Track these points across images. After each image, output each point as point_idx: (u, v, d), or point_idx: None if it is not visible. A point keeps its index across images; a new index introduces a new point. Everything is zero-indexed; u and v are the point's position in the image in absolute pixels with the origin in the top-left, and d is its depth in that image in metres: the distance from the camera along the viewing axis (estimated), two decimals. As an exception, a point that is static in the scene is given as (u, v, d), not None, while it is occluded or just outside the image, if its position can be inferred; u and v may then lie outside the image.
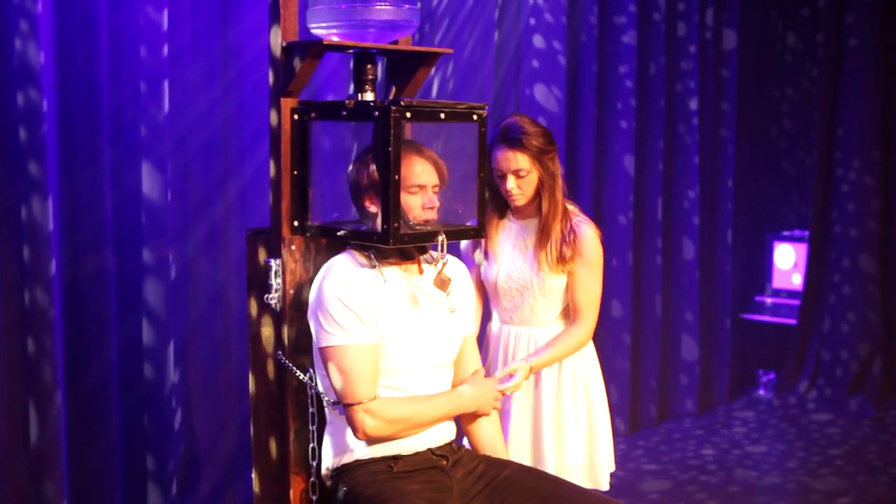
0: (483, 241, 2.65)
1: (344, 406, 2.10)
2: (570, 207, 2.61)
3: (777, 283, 5.02)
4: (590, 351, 2.69)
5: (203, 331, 2.97)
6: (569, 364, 2.64)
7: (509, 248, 2.64)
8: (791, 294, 4.97)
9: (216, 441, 3.00)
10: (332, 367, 2.10)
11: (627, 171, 4.18)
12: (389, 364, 2.16)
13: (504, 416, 2.61)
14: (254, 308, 2.34)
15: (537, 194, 2.56)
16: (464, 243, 2.70)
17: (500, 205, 2.64)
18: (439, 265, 2.20)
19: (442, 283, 2.20)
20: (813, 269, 4.60)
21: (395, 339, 2.15)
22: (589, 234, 2.57)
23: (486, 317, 2.77)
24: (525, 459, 2.60)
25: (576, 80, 3.97)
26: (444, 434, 2.24)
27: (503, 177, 2.56)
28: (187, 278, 2.92)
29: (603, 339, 4.11)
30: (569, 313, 2.61)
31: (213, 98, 2.91)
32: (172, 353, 2.80)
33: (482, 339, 2.73)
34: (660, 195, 4.32)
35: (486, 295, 2.73)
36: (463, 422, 2.36)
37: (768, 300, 4.99)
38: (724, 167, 4.66)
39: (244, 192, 3.02)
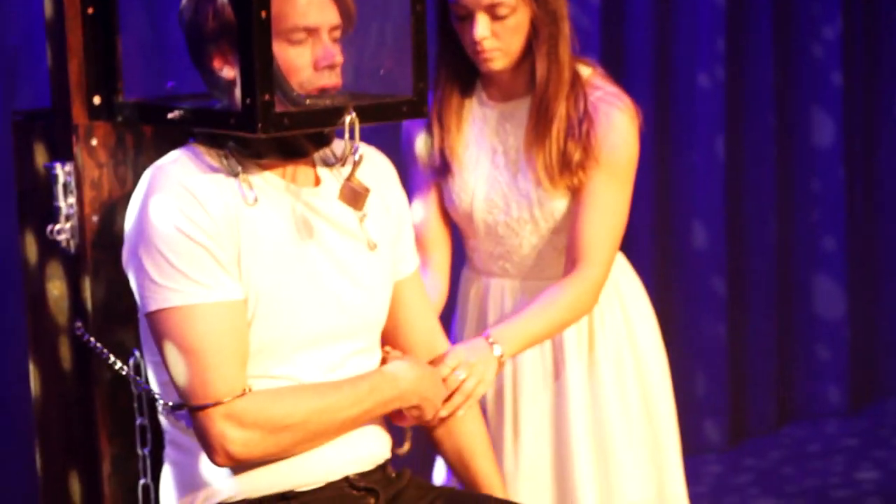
0: (436, 137, 2.35)
1: (191, 411, 1.88)
2: (587, 73, 2.30)
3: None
4: (642, 309, 2.43)
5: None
6: (608, 333, 2.38)
7: (486, 151, 2.34)
8: None
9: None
10: (168, 347, 1.88)
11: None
12: (265, 338, 1.92)
13: (500, 427, 2.41)
14: (31, 249, 2.09)
15: (527, 50, 2.24)
16: (420, 142, 2.40)
17: (463, 71, 2.33)
18: (347, 165, 1.93)
19: (353, 195, 1.92)
20: None
21: (274, 297, 1.92)
22: (616, 121, 2.26)
23: (457, 263, 2.48)
24: (545, 498, 2.40)
25: None
26: (369, 451, 2.02)
27: (468, 17, 2.23)
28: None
29: (683, 292, 3.94)
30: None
31: None
32: None
33: (452, 300, 2.48)
34: (767, 41, 4.05)
35: (455, 228, 2.47)
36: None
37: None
38: None
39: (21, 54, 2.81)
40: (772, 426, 4.21)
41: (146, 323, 1.90)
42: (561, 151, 2.25)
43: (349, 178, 1.90)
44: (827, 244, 4.26)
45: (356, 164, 1.89)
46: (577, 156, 2.25)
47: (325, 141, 1.95)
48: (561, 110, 2.25)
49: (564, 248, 2.33)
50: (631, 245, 3.81)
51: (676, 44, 3.88)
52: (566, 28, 2.25)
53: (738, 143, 4.04)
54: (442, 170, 2.35)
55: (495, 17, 2.20)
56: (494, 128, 2.34)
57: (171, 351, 1.86)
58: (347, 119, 1.85)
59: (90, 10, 1.95)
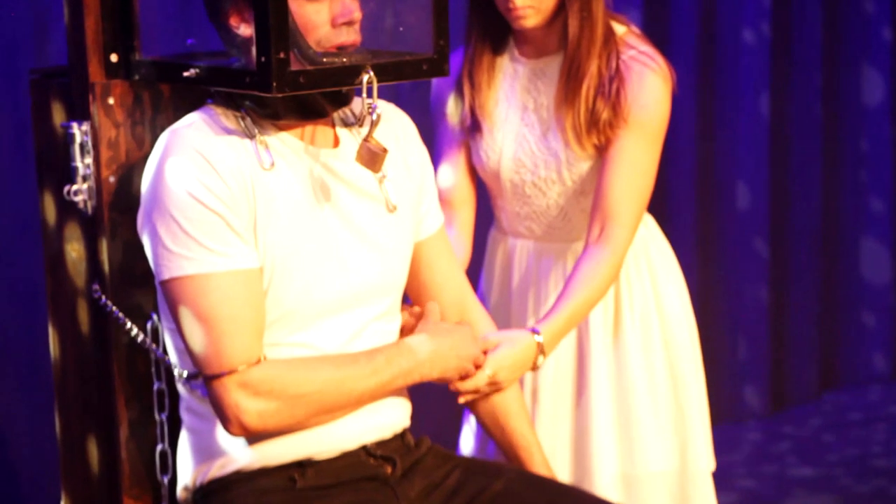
0: (467, 96, 2.30)
1: (206, 379, 1.85)
2: (621, 30, 2.24)
3: None
4: (671, 275, 2.37)
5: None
6: (635, 298, 2.33)
7: (516, 108, 2.29)
8: None
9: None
10: (183, 316, 1.85)
11: None
12: (283, 306, 1.89)
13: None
14: (49, 210, 2.06)
15: (560, 6, 2.19)
16: (450, 102, 2.35)
17: (495, 28, 2.29)
18: (366, 125, 1.88)
19: (371, 156, 1.87)
20: None
21: (291, 264, 1.87)
22: (648, 81, 2.21)
23: (481, 222, 2.43)
24: (562, 467, 2.35)
25: None
26: (387, 419, 1.98)
27: None
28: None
29: (726, 254, 3.87)
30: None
31: None
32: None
33: (479, 260, 2.44)
34: None
35: (482, 186, 2.42)
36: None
37: None
38: None
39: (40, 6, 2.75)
40: (813, 393, 4.14)
41: (161, 291, 1.87)
42: (590, 109, 2.20)
43: (366, 139, 1.85)
44: (874, 205, 4.17)
45: (374, 125, 1.84)
46: (605, 114, 2.20)
47: (343, 100, 1.90)
48: (592, 68, 2.20)
49: (589, 196, 2.28)
50: (672, 205, 3.78)
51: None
52: None
53: (783, 102, 3.95)
54: (472, 128, 2.31)
55: None
56: (525, 85, 2.29)
57: (185, 320, 1.83)
58: (365, 78, 1.80)
59: None
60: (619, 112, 2.20)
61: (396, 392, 1.97)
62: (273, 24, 1.73)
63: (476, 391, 2.06)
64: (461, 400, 2.08)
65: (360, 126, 1.93)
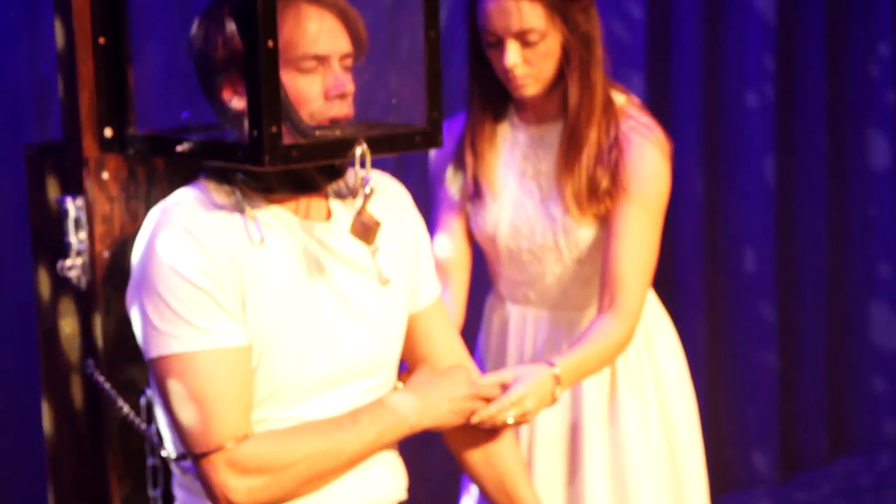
0: (469, 165, 2.29)
1: (193, 458, 1.82)
2: (621, 100, 2.24)
3: None
4: (668, 345, 2.36)
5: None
6: (631, 369, 2.31)
7: (514, 175, 2.28)
8: None
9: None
10: (171, 393, 1.82)
11: (760, 11, 3.81)
12: (273, 383, 1.86)
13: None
14: (44, 285, 2.04)
15: (560, 75, 2.18)
16: (449, 171, 2.35)
17: (495, 96, 2.28)
18: (359, 197, 1.85)
19: (364, 229, 1.85)
20: None
21: (281, 340, 1.85)
22: (647, 153, 2.20)
23: (479, 287, 2.42)
24: None
25: None
26: (383, 490, 1.94)
27: (498, 44, 2.18)
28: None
29: (733, 318, 3.84)
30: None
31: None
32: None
33: (475, 325, 2.44)
34: (818, 54, 3.95)
35: (479, 251, 2.42)
36: (450, 442, 2.08)
37: None
38: None
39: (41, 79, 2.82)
40: (824, 459, 4.09)
41: (149, 368, 1.84)
42: (590, 177, 2.19)
43: (360, 212, 1.83)
44: (882, 270, 4.13)
45: (367, 198, 1.82)
46: (605, 182, 2.19)
47: (337, 173, 1.89)
48: (592, 136, 2.19)
49: (588, 280, 2.27)
50: (679, 269, 3.75)
51: (725, 61, 3.79)
52: (599, 52, 2.19)
53: (788, 165, 3.94)
54: (473, 196, 2.30)
55: (526, 44, 2.15)
56: (525, 151, 2.28)
57: (172, 398, 1.81)
58: (358, 151, 1.78)
59: (101, 41, 1.91)
60: (619, 182, 2.19)
61: (391, 460, 1.93)
62: (265, 98, 1.72)
63: (501, 419, 1.99)
64: (487, 425, 2.00)
65: (354, 198, 1.91)
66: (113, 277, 1.94)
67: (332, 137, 1.81)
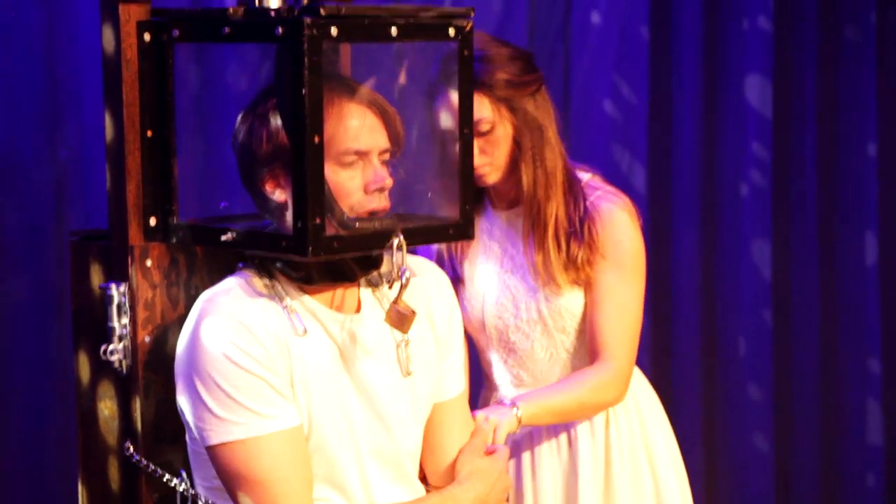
0: (446, 251, 2.41)
1: None
2: (586, 177, 2.36)
3: None
4: (660, 426, 2.42)
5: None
6: (624, 449, 2.37)
7: (495, 256, 2.39)
8: None
9: None
10: (236, 478, 1.85)
11: (755, 106, 3.87)
12: (323, 466, 1.90)
13: None
14: (84, 368, 2.07)
15: (515, 160, 2.30)
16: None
17: None
18: (395, 287, 1.90)
19: (400, 318, 1.89)
20: None
21: (312, 429, 1.90)
22: (617, 217, 2.32)
23: (476, 380, 2.51)
24: None
25: None
26: None
27: None
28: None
29: (727, 402, 3.84)
30: None
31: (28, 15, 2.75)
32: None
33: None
34: (811, 148, 3.99)
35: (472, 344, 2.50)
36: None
37: None
38: None
39: (71, 171, 2.85)
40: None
41: (202, 454, 1.88)
42: (564, 252, 2.29)
43: (396, 301, 1.89)
44: (873, 366, 4.18)
45: (403, 288, 1.87)
46: (581, 254, 2.29)
47: (373, 264, 1.94)
48: (554, 214, 2.29)
49: (577, 351, 2.35)
50: (676, 353, 3.81)
51: (722, 148, 3.89)
52: (551, 134, 2.30)
53: (783, 254, 4.02)
54: (455, 281, 2.38)
55: (478, 134, 2.25)
56: (500, 235, 2.38)
57: (238, 482, 1.84)
58: (395, 242, 1.85)
59: (149, 133, 1.97)
60: (595, 249, 2.29)
61: None
62: (311, 191, 1.79)
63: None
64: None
65: (390, 288, 1.96)
66: (153, 362, 1.99)
67: (370, 229, 1.88)
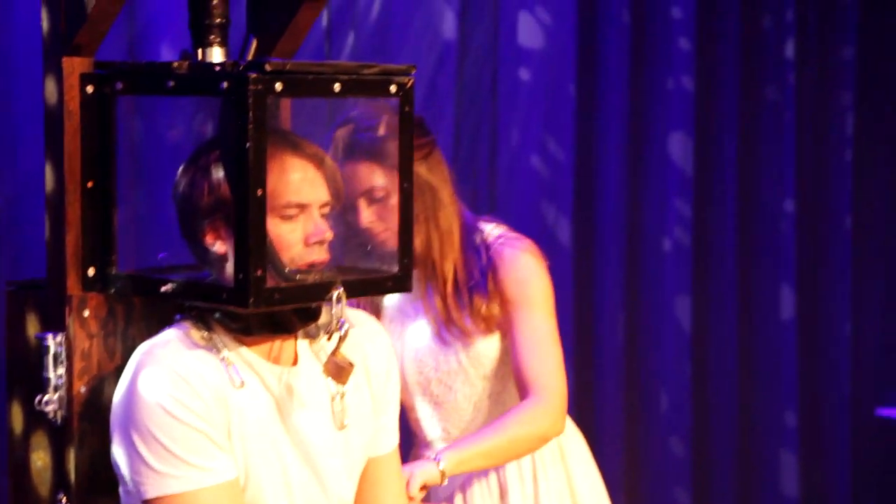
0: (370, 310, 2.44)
1: None
2: (489, 227, 2.43)
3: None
4: (588, 473, 2.46)
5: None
6: (551, 490, 2.40)
7: (411, 312, 2.45)
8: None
9: None
10: None
11: (678, 163, 3.94)
12: None
13: None
14: (17, 419, 2.06)
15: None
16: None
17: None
18: (333, 339, 1.90)
19: (338, 370, 1.91)
20: None
21: (247, 482, 1.89)
22: (521, 259, 2.39)
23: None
24: None
25: (590, 2, 3.84)
26: None
27: (353, 206, 2.38)
28: None
29: (647, 455, 3.92)
30: None
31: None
32: None
33: None
34: (731, 205, 4.10)
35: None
36: None
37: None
38: (839, 157, 4.41)
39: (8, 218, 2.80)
40: None
41: None
42: (468, 307, 2.35)
43: (334, 353, 1.90)
44: (789, 419, 4.28)
45: (342, 339, 1.89)
46: (485, 307, 2.34)
47: (312, 316, 1.95)
48: (454, 269, 2.35)
49: (499, 396, 2.39)
50: (599, 407, 3.86)
51: (646, 204, 3.98)
52: (445, 195, 2.36)
53: (702, 310, 4.10)
54: None
55: (374, 201, 2.31)
56: (417, 291, 2.41)
57: None
58: (335, 294, 1.87)
59: (90, 184, 1.97)
60: (504, 294, 2.35)
61: None
62: (252, 244, 1.81)
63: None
64: None
65: (328, 339, 1.96)
66: (88, 412, 1.97)
67: (311, 281, 1.90)
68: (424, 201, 2.34)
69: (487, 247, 2.38)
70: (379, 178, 2.30)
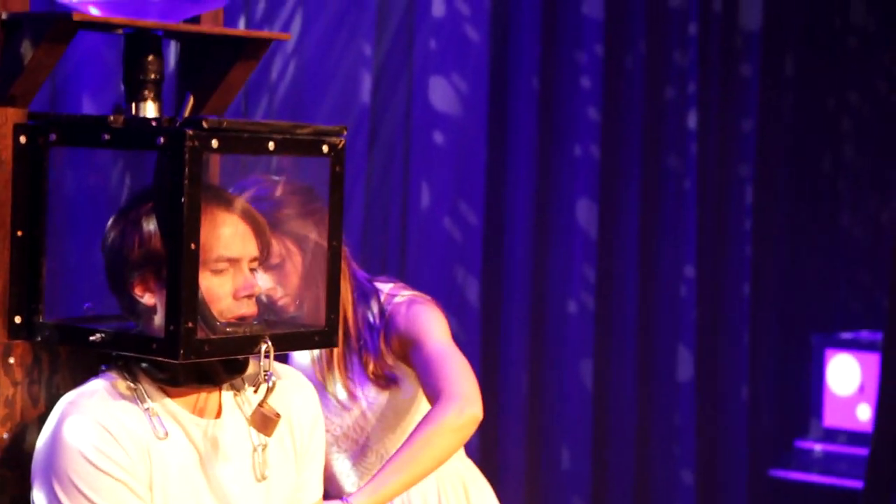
0: None
1: None
2: (388, 287, 2.50)
3: (831, 418, 4.63)
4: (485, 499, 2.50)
5: None
6: None
7: (312, 379, 2.44)
8: (854, 438, 4.55)
9: None
10: None
11: (583, 228, 4.00)
12: None
13: None
14: None
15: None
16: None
17: None
18: (260, 390, 1.94)
19: (264, 421, 1.94)
20: (891, 395, 3.99)
21: None
22: (419, 309, 2.45)
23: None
24: None
25: (502, 71, 3.86)
26: None
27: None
28: None
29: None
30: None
31: None
32: None
33: None
34: (633, 269, 4.15)
35: None
36: None
37: (817, 447, 4.62)
38: (738, 225, 4.53)
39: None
40: None
41: None
42: (363, 366, 2.41)
43: (261, 405, 1.93)
44: (685, 478, 4.37)
45: (269, 391, 1.93)
46: (376, 362, 2.40)
47: (239, 368, 1.98)
48: (347, 327, 2.40)
49: (406, 427, 2.43)
50: (502, 463, 3.92)
51: (552, 267, 4.07)
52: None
53: (604, 372, 4.19)
54: None
55: (270, 268, 2.34)
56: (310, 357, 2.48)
57: None
58: (263, 347, 1.91)
59: (20, 233, 1.98)
60: (401, 339, 2.40)
61: None
62: (185, 296, 1.84)
63: None
64: None
65: (255, 391, 2.00)
66: (10, 460, 1.97)
67: (239, 334, 1.93)
68: (318, 265, 2.35)
69: (383, 306, 2.43)
70: (273, 246, 2.32)
